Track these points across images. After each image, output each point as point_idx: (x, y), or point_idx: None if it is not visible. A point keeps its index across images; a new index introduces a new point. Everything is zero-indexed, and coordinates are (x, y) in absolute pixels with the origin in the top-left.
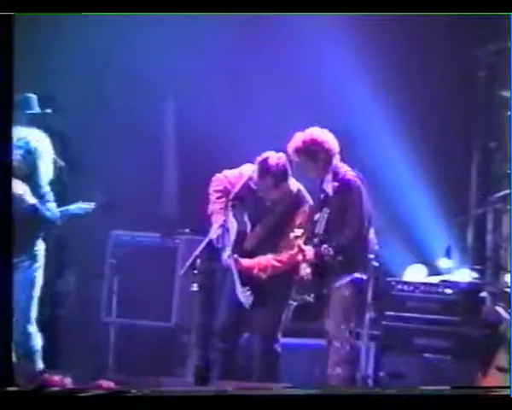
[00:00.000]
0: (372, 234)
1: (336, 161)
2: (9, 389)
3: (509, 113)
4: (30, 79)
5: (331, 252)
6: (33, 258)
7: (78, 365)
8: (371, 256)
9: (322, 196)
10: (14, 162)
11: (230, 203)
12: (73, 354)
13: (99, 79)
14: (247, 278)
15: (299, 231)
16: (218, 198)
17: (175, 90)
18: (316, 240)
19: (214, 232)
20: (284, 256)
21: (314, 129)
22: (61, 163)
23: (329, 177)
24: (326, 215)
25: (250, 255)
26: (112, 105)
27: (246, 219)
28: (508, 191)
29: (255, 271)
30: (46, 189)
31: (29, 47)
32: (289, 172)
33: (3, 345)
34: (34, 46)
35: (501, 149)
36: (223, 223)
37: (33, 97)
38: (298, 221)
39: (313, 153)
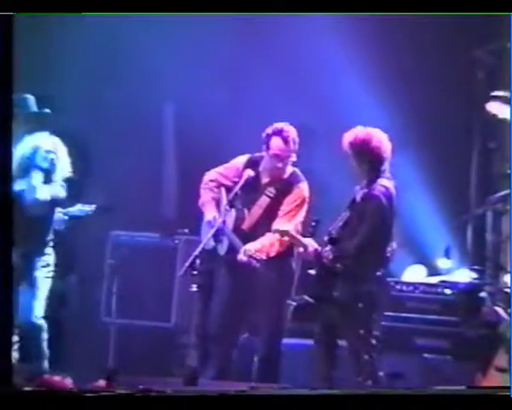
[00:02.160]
0: (390, 252)
1: (382, 169)
2: (9, 389)
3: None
4: (30, 79)
5: (330, 256)
6: (45, 260)
7: (78, 365)
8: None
9: (352, 199)
10: (44, 167)
11: (225, 188)
12: (73, 355)
13: (99, 80)
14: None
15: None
16: (209, 189)
17: (175, 91)
18: (326, 238)
19: (210, 221)
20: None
21: (375, 130)
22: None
23: (365, 183)
24: (345, 218)
25: (249, 238)
26: (111, 106)
27: (241, 204)
28: (508, 191)
29: (264, 253)
30: (62, 193)
31: (29, 47)
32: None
33: (3, 345)
34: (34, 46)
35: (501, 149)
36: (216, 213)
37: (32, 98)
38: (293, 199)
39: (364, 153)
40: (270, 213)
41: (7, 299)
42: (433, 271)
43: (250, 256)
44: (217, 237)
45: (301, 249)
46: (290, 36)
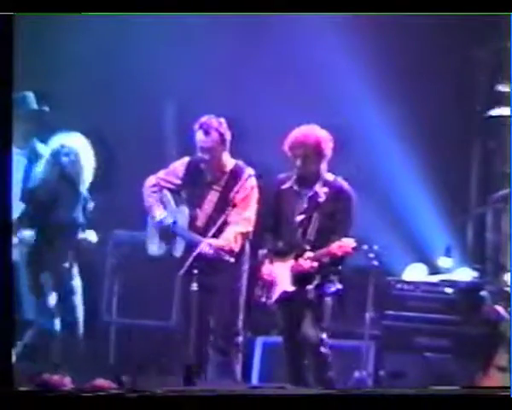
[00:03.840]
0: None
1: (325, 165)
2: (9, 389)
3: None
4: (30, 79)
5: (315, 265)
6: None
7: (78, 364)
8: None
9: (311, 199)
10: (64, 167)
11: (169, 191)
12: (73, 354)
13: (99, 79)
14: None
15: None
16: (152, 192)
17: (176, 89)
18: (307, 246)
19: (158, 222)
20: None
21: (311, 126)
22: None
23: (319, 182)
24: (317, 221)
25: (205, 235)
26: (112, 105)
27: (190, 203)
28: (508, 191)
29: (226, 248)
30: (86, 194)
31: (29, 47)
32: (227, 137)
33: (3, 345)
34: (34, 46)
35: (501, 149)
36: (164, 212)
37: (32, 96)
38: (241, 188)
39: (306, 148)
40: (223, 207)
41: (7, 299)
42: (434, 270)
43: (219, 249)
44: (167, 238)
45: (294, 262)
46: (290, 36)
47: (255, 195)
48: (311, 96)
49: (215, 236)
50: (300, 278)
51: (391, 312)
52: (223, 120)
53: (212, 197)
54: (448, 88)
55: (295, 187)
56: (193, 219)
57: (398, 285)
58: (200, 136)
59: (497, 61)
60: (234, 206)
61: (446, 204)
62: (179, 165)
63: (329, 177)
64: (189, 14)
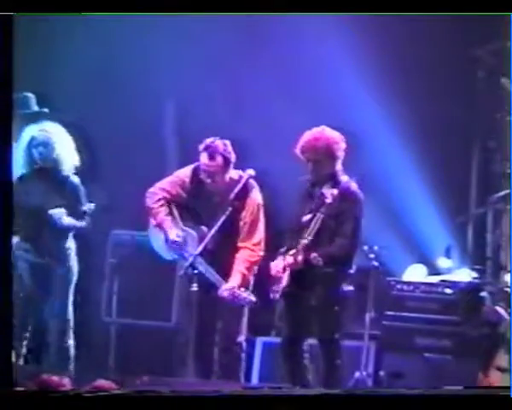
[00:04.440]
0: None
1: (339, 166)
2: (9, 389)
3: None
4: (30, 79)
5: (320, 262)
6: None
7: (78, 364)
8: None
9: (318, 200)
10: (37, 160)
11: (176, 206)
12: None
13: (99, 79)
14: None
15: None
16: (160, 206)
17: (176, 90)
18: (303, 244)
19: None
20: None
21: (321, 128)
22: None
23: (330, 183)
24: (320, 221)
25: (215, 257)
26: (112, 105)
27: (199, 222)
28: (508, 191)
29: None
30: (75, 179)
31: (29, 47)
32: (232, 159)
33: (3, 345)
34: (34, 46)
35: (501, 149)
36: (177, 230)
37: (32, 97)
38: (248, 209)
39: (317, 151)
40: (231, 229)
41: (7, 299)
42: (434, 270)
43: (235, 295)
44: (177, 253)
45: (291, 259)
46: (291, 36)
47: (261, 212)
48: (312, 96)
49: (226, 260)
50: (297, 276)
51: (391, 312)
52: (228, 142)
53: (219, 215)
54: (448, 88)
55: (309, 188)
56: (201, 238)
57: (398, 286)
58: (204, 158)
59: (497, 61)
60: (243, 227)
61: (446, 204)
62: (184, 176)
63: (343, 179)
64: (189, 14)
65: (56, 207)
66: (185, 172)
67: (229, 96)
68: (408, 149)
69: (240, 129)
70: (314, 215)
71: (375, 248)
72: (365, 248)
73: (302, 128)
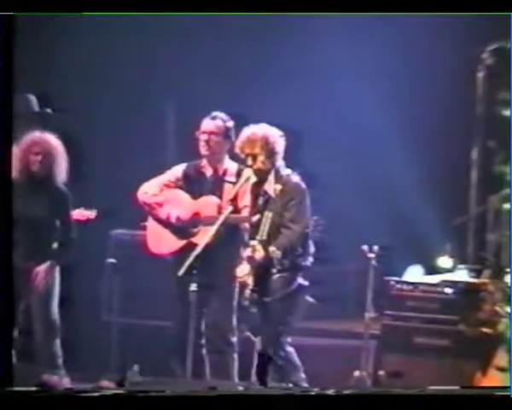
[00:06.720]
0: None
1: (280, 162)
2: (9, 389)
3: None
4: (30, 79)
5: (279, 255)
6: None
7: (79, 364)
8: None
9: (263, 198)
10: (33, 167)
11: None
12: (73, 354)
13: (99, 80)
14: None
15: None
16: (156, 202)
17: (177, 91)
18: (258, 244)
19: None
20: None
21: (260, 125)
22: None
23: (271, 178)
24: (269, 220)
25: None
26: (112, 106)
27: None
28: (508, 191)
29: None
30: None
31: (29, 47)
32: (232, 136)
33: (3, 345)
34: (34, 46)
35: (501, 149)
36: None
37: (33, 97)
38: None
39: (252, 147)
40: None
41: (7, 299)
42: (434, 270)
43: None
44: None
45: (250, 254)
46: (292, 36)
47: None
48: (311, 97)
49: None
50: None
51: (390, 312)
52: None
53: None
54: (448, 88)
55: (253, 185)
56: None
57: (398, 285)
58: (206, 122)
59: (497, 61)
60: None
61: (446, 204)
62: (176, 173)
63: (284, 173)
64: (190, 14)
65: (44, 215)
66: (177, 170)
67: (230, 97)
68: (408, 149)
69: (240, 129)
70: (262, 215)
71: (375, 247)
72: (365, 248)
73: (302, 127)
